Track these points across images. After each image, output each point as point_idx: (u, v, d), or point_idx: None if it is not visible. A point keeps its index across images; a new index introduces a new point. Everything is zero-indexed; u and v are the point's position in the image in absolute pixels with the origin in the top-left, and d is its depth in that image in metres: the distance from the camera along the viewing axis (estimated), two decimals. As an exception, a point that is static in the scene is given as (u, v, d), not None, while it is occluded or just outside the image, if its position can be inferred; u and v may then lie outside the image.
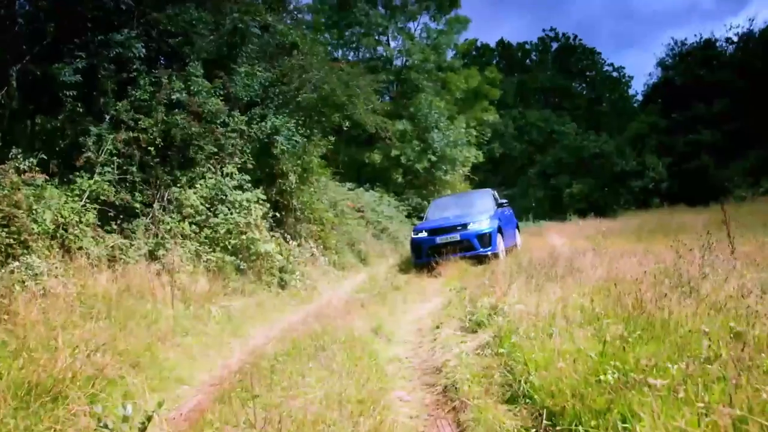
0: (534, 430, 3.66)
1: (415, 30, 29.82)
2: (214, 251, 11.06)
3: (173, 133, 11.62)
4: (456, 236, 15.24)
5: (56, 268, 8.73)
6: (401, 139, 25.15)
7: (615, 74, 59.41)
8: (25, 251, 8.81)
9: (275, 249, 11.94)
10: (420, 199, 26.22)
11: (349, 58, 29.59)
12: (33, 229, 9.11)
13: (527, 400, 4.04)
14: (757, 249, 9.23)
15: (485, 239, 15.10)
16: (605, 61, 59.71)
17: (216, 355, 6.68)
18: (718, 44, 46.61)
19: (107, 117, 11.40)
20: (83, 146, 10.99)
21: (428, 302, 10.15)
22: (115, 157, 11.15)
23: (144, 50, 11.62)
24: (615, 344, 3.98)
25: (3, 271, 8.02)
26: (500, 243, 15.57)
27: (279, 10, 14.99)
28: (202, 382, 5.48)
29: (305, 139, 13.80)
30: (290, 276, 12.01)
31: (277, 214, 13.36)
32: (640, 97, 52.86)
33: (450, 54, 32.31)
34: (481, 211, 16.31)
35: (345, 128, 16.50)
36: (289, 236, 13.26)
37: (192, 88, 11.95)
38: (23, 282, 7.65)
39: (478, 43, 60.83)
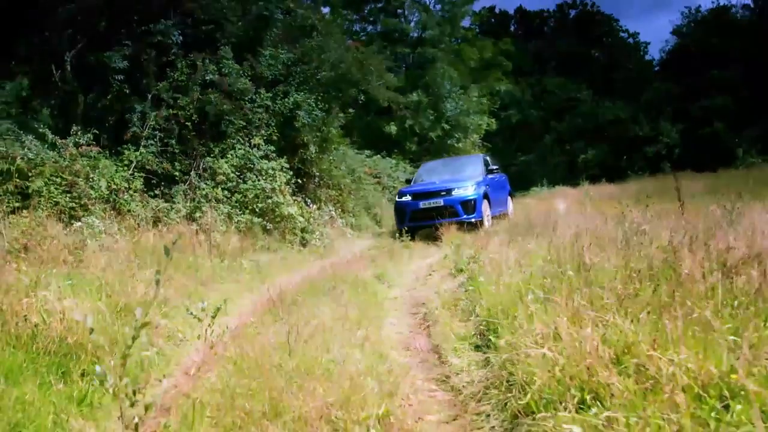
0: (474, 333, 5.26)
1: (430, 2, 31.03)
2: (243, 213, 12.66)
3: (207, 110, 13.19)
4: (440, 201, 14.99)
5: (111, 227, 10.41)
6: (416, 110, 26.48)
7: (631, 41, 59.91)
8: (85, 213, 10.49)
9: (297, 212, 13.49)
10: (435, 166, 27.56)
11: (368, 29, 30.93)
12: (91, 194, 10.80)
13: (477, 317, 5.61)
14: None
15: (470, 206, 14.84)
16: (622, 28, 60.13)
17: (249, 295, 8.26)
18: (733, 11, 46.90)
19: (149, 96, 12.99)
20: (130, 122, 12.65)
21: (430, 257, 11.66)
22: (157, 132, 12.79)
23: (181, 37, 13.20)
24: (538, 278, 5.52)
25: (68, 229, 9.69)
26: (486, 210, 15.34)
27: (300, -5, 16.48)
28: (240, 313, 7.05)
29: (324, 113, 15.29)
30: (310, 236, 13.56)
31: (299, 181, 14.88)
32: (657, 64, 53.25)
33: (465, 23, 33.49)
34: (468, 176, 15.93)
35: (360, 102, 17.89)
36: (309, 200, 14.80)
37: (223, 69, 13.48)
38: (89, 239, 9.27)
39: (497, 10, 61.78)
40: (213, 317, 4.35)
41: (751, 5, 47.20)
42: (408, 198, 15.40)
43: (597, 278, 5.05)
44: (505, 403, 3.57)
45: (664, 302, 4.13)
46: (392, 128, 25.90)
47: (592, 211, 13.38)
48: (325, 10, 27.74)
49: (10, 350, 4.34)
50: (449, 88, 27.49)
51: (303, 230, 13.50)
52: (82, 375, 4.37)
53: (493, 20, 61.51)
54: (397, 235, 14.22)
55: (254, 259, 10.97)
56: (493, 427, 3.52)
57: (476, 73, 33.03)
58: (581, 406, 2.97)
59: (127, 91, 12.84)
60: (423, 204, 15.01)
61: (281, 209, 13.01)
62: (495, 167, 17.30)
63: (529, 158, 53.51)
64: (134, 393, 2.45)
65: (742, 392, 2.66)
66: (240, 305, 7.46)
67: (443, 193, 15.04)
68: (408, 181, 17.73)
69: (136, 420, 2.44)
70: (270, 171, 13.28)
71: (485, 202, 15.27)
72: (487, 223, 14.93)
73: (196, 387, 3.92)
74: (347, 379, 3.83)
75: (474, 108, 28.71)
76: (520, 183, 48.08)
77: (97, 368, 2.48)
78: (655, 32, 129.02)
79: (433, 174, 17.21)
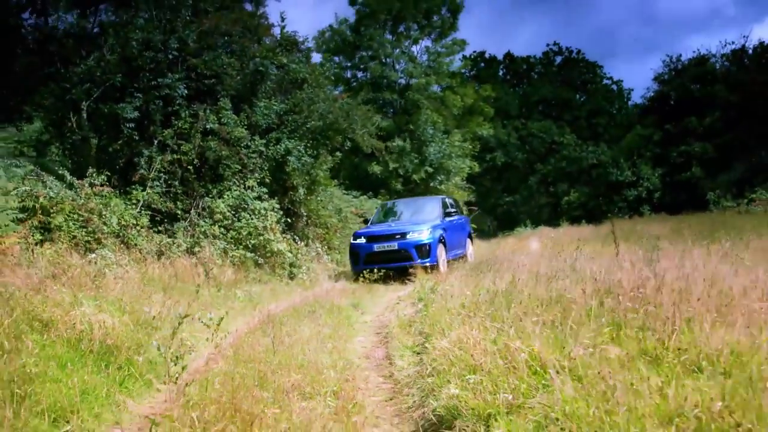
0: (417, 344, 6.75)
1: (417, 52, 32.82)
2: (238, 249, 14.08)
3: (207, 155, 14.68)
4: (394, 245, 15.04)
5: (122, 258, 11.85)
6: (400, 153, 28.11)
7: (614, 87, 62.07)
8: (99, 246, 11.92)
9: (286, 248, 14.94)
10: (419, 206, 29.10)
11: (358, 76, 32.67)
12: (104, 229, 12.23)
13: (422, 333, 7.10)
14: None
15: (424, 250, 14.86)
16: (605, 75, 62.31)
17: (242, 318, 9.69)
18: (712, 60, 48.56)
19: (156, 142, 14.49)
20: (138, 165, 14.15)
21: (402, 291, 13.07)
22: (162, 174, 14.27)
23: (185, 90, 14.73)
24: (472, 304, 7.01)
25: (84, 260, 11.12)
26: (442, 254, 15.35)
27: (292, 50, 18.09)
28: (236, 330, 8.47)
29: (312, 159, 16.79)
30: (298, 270, 15.02)
31: (289, 220, 16.30)
32: (639, 110, 55.12)
33: (453, 67, 35.23)
34: (425, 219, 16.03)
35: (347, 147, 19.44)
36: (298, 238, 16.23)
37: (222, 119, 15.00)
38: (104, 268, 10.71)
39: (487, 55, 63.87)
40: (218, 325, 5.82)
41: (731, 56, 48.75)
42: (362, 240, 15.52)
43: (519, 302, 6.54)
44: (424, 385, 5.06)
45: (554, 317, 5.64)
46: (377, 169, 27.39)
47: (554, 250, 14.92)
48: (318, 57, 29.63)
49: (64, 349, 5.79)
50: (433, 133, 29.15)
51: (291, 265, 14.93)
52: (119, 368, 5.82)
53: (482, 64, 63.62)
54: (364, 275, 14.44)
55: (247, 290, 12.38)
56: (414, 400, 5.00)
57: (459, 118, 34.69)
58: (464, 377, 4.46)
59: (136, 137, 14.35)
60: (377, 247, 15.18)
61: (272, 245, 14.45)
62: (453, 210, 17.56)
63: (515, 199, 55.29)
64: (177, 358, 3.91)
65: (565, 368, 4.14)
66: (235, 325, 8.89)
67: (398, 237, 15.18)
68: (366, 221, 17.89)
69: (177, 374, 3.91)
70: (262, 211, 14.70)
71: (441, 246, 15.39)
72: (442, 267, 14.78)
73: (208, 369, 5.37)
74: (314, 370, 5.30)
75: (456, 152, 30.36)
76: (507, 223, 49.92)
77: (154, 342, 3.94)
78: (645, 76, 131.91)
79: (391, 215, 17.47)
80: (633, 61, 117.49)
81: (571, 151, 51.90)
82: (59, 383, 4.81)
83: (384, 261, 14.88)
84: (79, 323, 6.28)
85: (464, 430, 3.78)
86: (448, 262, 15.54)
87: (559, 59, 63.19)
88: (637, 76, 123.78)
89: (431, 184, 29.29)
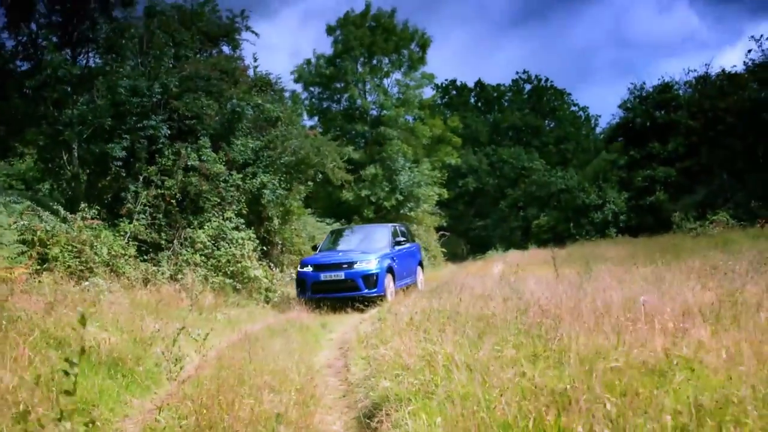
0: (369, 354, 8.08)
1: (388, 85, 34.34)
2: (217, 275, 15.35)
3: (188, 189, 15.98)
4: (341, 275, 14.86)
5: (113, 286, 13.08)
6: (372, 182, 29.53)
7: (581, 114, 64.10)
8: (91, 274, 13.15)
9: (263, 274, 16.23)
10: (389, 232, 30.48)
11: (332, 108, 34.13)
12: (95, 259, 13.47)
13: (374, 345, 8.43)
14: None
15: (371, 280, 14.70)
16: (573, 102, 64.35)
17: (223, 337, 10.96)
18: (675, 87, 49.92)
19: (141, 178, 15.79)
20: (125, 199, 15.46)
21: (367, 312, 14.37)
22: (147, 207, 15.57)
23: (168, 130, 16.07)
24: (417, 321, 8.35)
25: (78, 287, 12.35)
26: (389, 284, 15.19)
27: (267, 90, 19.52)
28: (218, 346, 9.72)
29: (286, 191, 18.15)
30: (273, 294, 16.27)
31: (265, 248, 17.60)
32: (605, 136, 56.71)
33: (423, 99, 36.73)
34: (374, 248, 15.91)
35: (318, 179, 20.80)
36: (273, 264, 17.55)
37: (202, 156, 16.32)
38: (98, 295, 11.94)
39: (458, 83, 65.71)
40: (204, 340, 7.12)
41: (693, 83, 49.95)
42: (309, 269, 15.26)
43: (454, 319, 7.91)
44: (368, 384, 6.41)
45: (479, 329, 7.01)
46: (349, 196, 28.72)
47: (509, 273, 16.32)
48: (299, 87, 31.16)
49: (79, 362, 7.05)
50: (403, 163, 30.59)
51: (267, 290, 16.19)
52: (124, 375, 7.10)
53: (454, 92, 65.47)
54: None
55: (226, 313, 13.60)
56: (360, 396, 6.34)
57: (428, 147, 36.18)
58: (397, 375, 5.81)
59: (123, 174, 15.66)
60: (324, 276, 14.98)
61: (249, 272, 15.74)
62: (403, 238, 17.39)
63: (487, 223, 56.82)
64: (177, 360, 5.22)
65: (468, 365, 5.48)
66: (217, 342, 10.12)
67: (345, 266, 14.96)
68: (315, 248, 17.47)
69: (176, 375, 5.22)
70: (240, 240, 15.98)
71: (389, 276, 15.24)
72: (389, 297, 14.77)
73: (198, 373, 6.65)
74: (283, 374, 6.62)
75: (426, 180, 31.76)
76: (479, 246, 51.21)
77: (157, 349, 5.24)
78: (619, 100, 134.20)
79: (340, 242, 17.33)
80: (608, 85, 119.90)
81: (540, 176, 53.47)
82: (81, 386, 6.09)
83: (330, 290, 14.84)
84: (89, 340, 7.56)
85: (389, 410, 5.11)
86: (396, 291, 15.43)
87: (528, 87, 65.10)
88: (613, 99, 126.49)
89: (401, 211, 30.58)
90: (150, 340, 8.44)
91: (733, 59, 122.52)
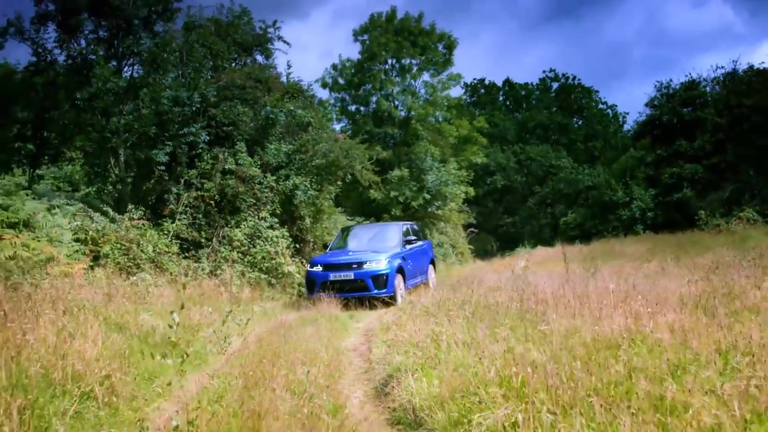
0: (390, 338, 9.17)
1: (416, 86, 35.32)
2: (253, 271, 16.54)
3: (226, 191, 17.15)
4: (350, 275, 14.78)
5: (158, 280, 14.29)
6: (400, 182, 30.55)
7: (609, 111, 64.64)
8: (138, 270, 14.37)
9: (295, 270, 17.42)
10: (417, 230, 31.51)
11: (362, 110, 35.24)
12: (142, 256, 14.69)
13: (393, 330, 9.52)
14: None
15: (380, 281, 14.65)
16: (600, 100, 64.92)
17: (260, 326, 12.10)
18: (702, 85, 50.01)
19: (182, 181, 17.01)
20: (168, 201, 16.66)
21: (393, 305, 15.49)
22: (188, 208, 16.77)
23: (207, 136, 17.27)
24: (431, 309, 9.41)
25: (127, 281, 13.56)
26: (399, 285, 15.13)
27: (298, 96, 20.69)
28: (257, 333, 10.88)
29: (317, 192, 19.27)
30: (305, 289, 17.42)
31: (297, 245, 18.76)
32: (632, 133, 57.00)
33: (450, 100, 37.68)
34: (384, 248, 15.81)
35: (347, 180, 21.91)
36: (305, 261, 18.66)
37: (238, 160, 17.50)
38: (147, 288, 13.14)
39: (486, 81, 66.59)
40: (246, 325, 8.24)
41: (721, 79, 49.97)
42: (318, 269, 15.20)
43: (466, 307, 8.97)
44: (386, 361, 7.50)
45: (483, 316, 8.06)
46: (378, 196, 29.75)
47: (529, 268, 17.31)
48: (325, 92, 32.27)
49: (138, 343, 8.21)
50: (431, 163, 31.59)
51: (299, 284, 17.34)
52: (177, 356, 8.24)
53: (482, 91, 66.36)
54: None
55: (262, 305, 14.74)
56: (379, 371, 7.43)
57: (455, 147, 37.12)
58: (407, 351, 6.89)
59: (166, 177, 16.91)
60: (333, 276, 14.87)
61: (282, 268, 16.95)
62: (414, 237, 17.21)
63: (515, 220, 57.58)
64: (225, 338, 6.34)
65: (474, 342, 6.53)
66: (255, 330, 11.31)
67: (354, 266, 14.89)
68: (325, 246, 17.60)
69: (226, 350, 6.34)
70: (274, 238, 17.17)
71: (399, 276, 15.15)
72: (399, 298, 14.84)
73: (241, 351, 7.77)
74: (313, 353, 7.72)
75: (452, 179, 32.71)
76: (508, 243, 51.95)
77: (209, 331, 6.35)
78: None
79: (351, 241, 17.22)
80: (642, 81, 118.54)
81: (568, 173, 54.14)
82: (144, 363, 7.25)
83: (339, 290, 14.61)
84: (146, 325, 8.74)
85: (399, 378, 6.19)
86: (409, 291, 15.53)
87: (555, 85, 65.78)
88: (646, 96, 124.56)
89: (429, 209, 31.60)
90: (197, 327, 9.60)
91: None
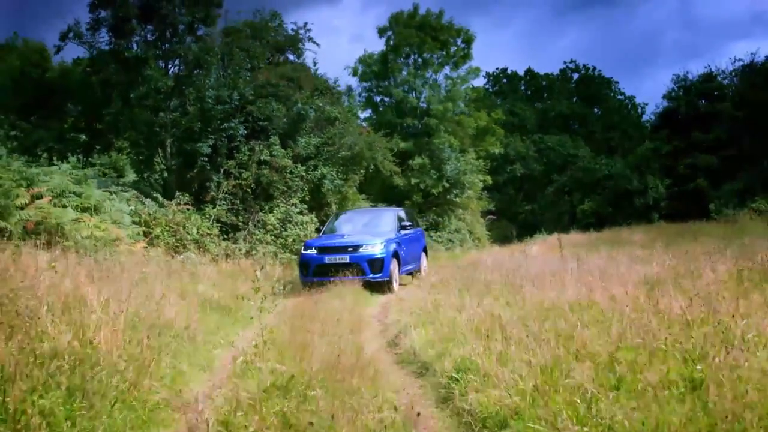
0: (402, 307, 11.07)
1: (437, 80, 36.99)
2: (285, 252, 18.46)
3: (261, 180, 19.12)
4: (346, 258, 14.56)
5: (201, 259, 16.27)
6: (421, 170, 32.39)
7: (628, 102, 66.02)
8: (184, 249, 16.35)
9: (322, 251, 19.35)
10: (436, 216, 33.36)
11: (385, 101, 37.03)
12: (187, 237, 16.67)
13: (405, 301, 11.42)
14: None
15: (376, 265, 14.44)
16: (619, 91, 66.28)
17: (293, 298, 14.05)
18: (720, 77, 50.76)
19: (222, 170, 19.00)
20: (209, 188, 18.66)
21: (411, 283, 17.38)
22: (227, 195, 18.75)
23: (244, 130, 19.26)
24: (436, 285, 11.32)
25: (174, 259, 15.54)
26: (394, 270, 14.99)
27: (326, 93, 22.65)
28: (291, 301, 12.81)
29: (342, 181, 21.20)
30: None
31: (324, 229, 20.73)
32: (649, 125, 58.12)
33: (479, 83, 39.43)
34: (379, 233, 15.63)
35: (371, 170, 23.83)
36: (331, 244, 20.63)
37: (272, 152, 19.45)
38: (195, 266, 15.11)
39: (509, 71, 68.17)
40: (284, 290, 10.18)
41: (739, 71, 50.66)
42: (313, 251, 14.93)
43: (464, 283, 10.87)
44: (397, 323, 9.44)
45: (480, 290, 9.96)
46: (400, 182, 31.44)
47: (543, 254, 19.15)
48: (354, 81, 34.22)
49: (198, 307, 10.17)
50: (449, 153, 33.38)
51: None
52: (230, 318, 10.22)
53: (505, 80, 67.96)
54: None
55: (293, 282, 16.72)
56: (393, 331, 9.36)
57: (474, 138, 38.86)
58: (413, 313, 8.83)
59: (208, 167, 18.92)
60: (328, 259, 14.68)
61: (311, 250, 18.86)
62: (409, 223, 17.07)
63: (534, 207, 59.15)
64: (272, 300, 8.29)
65: (464, 306, 8.43)
66: (291, 300, 13.29)
67: (350, 249, 14.70)
68: (318, 231, 17.77)
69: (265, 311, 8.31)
70: (303, 223, 19.12)
71: (394, 261, 14.99)
72: (395, 283, 14.87)
73: (282, 312, 9.72)
74: (339, 318, 9.66)
75: (471, 169, 34.47)
76: (527, 229, 53.39)
77: (257, 301, 8.30)
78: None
79: (344, 225, 17.00)
80: (674, 67, 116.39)
81: (586, 163, 55.55)
82: (207, 321, 9.23)
83: (334, 273, 14.18)
84: (200, 294, 10.73)
85: (401, 333, 8.12)
86: (401, 276, 15.71)
87: (576, 76, 67.15)
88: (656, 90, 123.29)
89: (448, 197, 33.43)
90: (242, 296, 11.57)
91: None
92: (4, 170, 12.73)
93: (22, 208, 11.98)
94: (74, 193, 13.93)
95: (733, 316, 6.17)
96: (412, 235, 17.11)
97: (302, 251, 15.35)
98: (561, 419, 4.11)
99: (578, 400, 4.35)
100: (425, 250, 18.35)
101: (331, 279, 13.70)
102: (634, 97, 69.24)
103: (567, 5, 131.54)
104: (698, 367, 4.57)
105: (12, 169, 13.05)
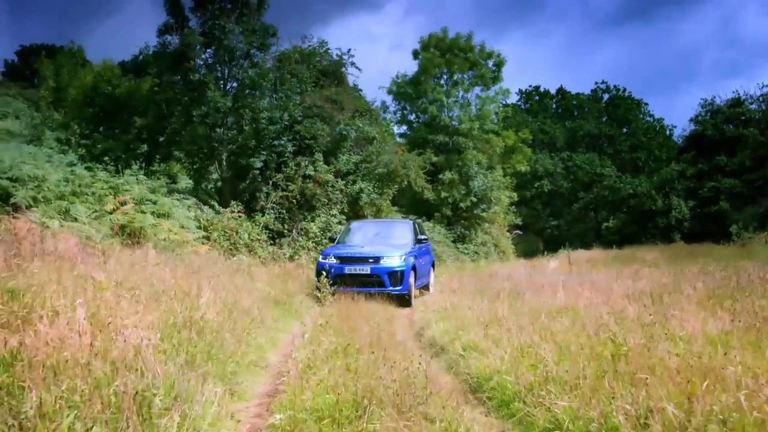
0: (426, 308, 13.19)
1: (468, 99, 39.04)
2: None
3: (305, 192, 21.36)
4: (366, 269, 14.46)
5: (253, 262, 18.48)
6: (450, 185, 34.50)
7: (656, 124, 67.66)
8: (237, 252, 18.56)
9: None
10: (464, 229, 35.46)
11: (420, 119, 39.18)
12: (240, 242, 18.86)
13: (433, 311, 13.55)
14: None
15: (397, 277, 14.38)
16: (648, 113, 68.01)
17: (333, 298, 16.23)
18: (748, 102, 51.75)
19: (271, 182, 21.29)
20: (259, 198, 20.94)
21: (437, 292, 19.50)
22: (275, 205, 21.01)
23: (292, 147, 21.55)
24: (456, 291, 13.45)
25: (228, 261, 17.77)
26: (413, 283, 14.99)
27: (366, 114, 24.92)
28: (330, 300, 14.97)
29: (378, 195, 23.42)
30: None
31: (360, 239, 22.91)
32: (677, 147, 59.31)
33: (513, 99, 41.49)
34: (398, 245, 15.50)
35: (403, 186, 26.04)
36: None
37: (316, 167, 21.69)
38: (248, 267, 17.32)
39: (541, 89, 70.23)
40: (328, 292, 12.38)
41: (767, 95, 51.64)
42: (333, 260, 14.73)
43: (479, 290, 13.00)
44: (421, 320, 11.61)
45: (488, 295, 12.10)
46: (430, 196, 33.45)
47: (558, 268, 21.19)
48: (389, 98, 36.48)
49: (258, 302, 12.35)
50: (477, 170, 35.46)
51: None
52: (285, 309, 12.41)
53: (536, 98, 69.97)
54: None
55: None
56: (419, 325, 11.52)
57: (502, 156, 40.87)
58: (435, 311, 11.01)
59: (259, 179, 21.22)
60: (348, 269, 14.46)
61: (349, 257, 21.04)
62: (423, 236, 16.96)
63: (560, 223, 60.94)
64: (325, 293, 10.51)
65: (475, 307, 10.56)
66: (330, 299, 15.46)
67: (371, 261, 14.59)
68: (332, 240, 17.50)
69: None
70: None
71: (412, 273, 14.91)
72: (412, 297, 14.98)
73: (330, 308, 11.91)
74: (376, 316, 11.82)
75: (498, 185, 36.57)
76: (553, 244, 55.16)
77: (298, 298, 10.49)
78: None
79: (359, 235, 16.81)
80: (713, 86, 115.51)
81: (612, 182, 57.26)
82: (266, 312, 11.42)
83: (354, 284, 13.79)
84: (259, 291, 12.95)
85: (423, 326, 10.29)
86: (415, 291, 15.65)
87: (606, 96, 68.94)
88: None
89: (475, 211, 35.51)
90: (293, 293, 13.79)
91: None
92: (98, 180, 15.09)
93: (110, 213, 14.25)
94: (150, 200, 16.20)
95: (680, 321, 8.17)
96: (426, 248, 17.38)
97: (320, 259, 15.25)
98: (523, 373, 6.28)
99: (537, 365, 6.45)
100: (433, 265, 18.47)
101: (349, 290, 13.08)
102: (663, 119, 70.90)
103: (607, 20, 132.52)
104: (624, 348, 6.62)
105: (102, 179, 15.42)
